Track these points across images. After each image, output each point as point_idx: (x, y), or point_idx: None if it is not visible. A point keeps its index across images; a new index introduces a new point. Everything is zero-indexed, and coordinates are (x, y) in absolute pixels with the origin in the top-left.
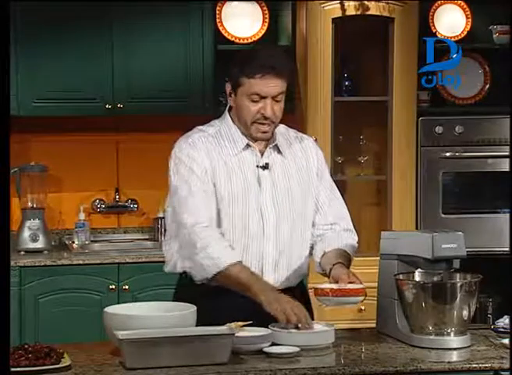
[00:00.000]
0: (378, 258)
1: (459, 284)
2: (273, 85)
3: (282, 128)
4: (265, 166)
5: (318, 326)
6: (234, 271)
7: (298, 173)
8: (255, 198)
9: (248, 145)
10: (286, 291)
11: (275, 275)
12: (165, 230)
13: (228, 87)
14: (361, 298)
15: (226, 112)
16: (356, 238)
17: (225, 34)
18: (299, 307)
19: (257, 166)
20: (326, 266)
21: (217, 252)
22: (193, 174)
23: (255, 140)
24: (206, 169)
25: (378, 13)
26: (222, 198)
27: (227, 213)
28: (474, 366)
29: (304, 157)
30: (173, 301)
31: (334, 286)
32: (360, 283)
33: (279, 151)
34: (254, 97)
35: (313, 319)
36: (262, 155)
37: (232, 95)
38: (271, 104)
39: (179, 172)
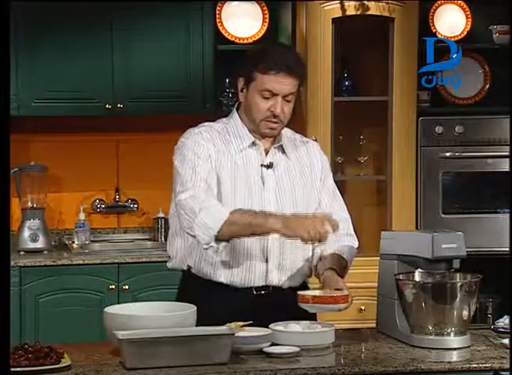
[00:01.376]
0: (378, 258)
1: (459, 284)
2: (286, 83)
3: (288, 132)
4: (269, 166)
5: (318, 326)
6: (238, 215)
7: (302, 176)
8: (258, 196)
9: (254, 143)
10: (289, 290)
11: (279, 275)
12: (165, 230)
13: (240, 82)
14: (342, 305)
15: (234, 110)
16: (356, 243)
17: (225, 34)
18: (314, 221)
19: (262, 165)
20: (320, 271)
21: (217, 209)
22: (196, 156)
23: (263, 136)
24: (210, 155)
25: (378, 13)
26: (225, 193)
27: (230, 208)
28: (474, 365)
29: (309, 161)
30: (176, 296)
31: (317, 292)
32: (346, 290)
33: (284, 152)
34: (265, 93)
35: (315, 320)
36: (267, 154)
37: (244, 91)
38: (281, 103)
39: (183, 154)
